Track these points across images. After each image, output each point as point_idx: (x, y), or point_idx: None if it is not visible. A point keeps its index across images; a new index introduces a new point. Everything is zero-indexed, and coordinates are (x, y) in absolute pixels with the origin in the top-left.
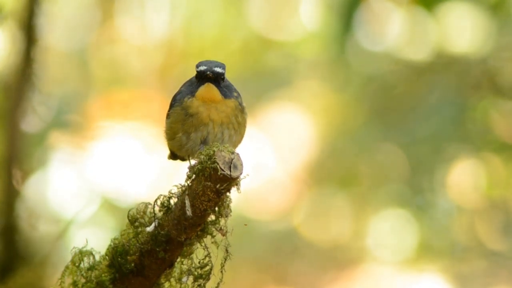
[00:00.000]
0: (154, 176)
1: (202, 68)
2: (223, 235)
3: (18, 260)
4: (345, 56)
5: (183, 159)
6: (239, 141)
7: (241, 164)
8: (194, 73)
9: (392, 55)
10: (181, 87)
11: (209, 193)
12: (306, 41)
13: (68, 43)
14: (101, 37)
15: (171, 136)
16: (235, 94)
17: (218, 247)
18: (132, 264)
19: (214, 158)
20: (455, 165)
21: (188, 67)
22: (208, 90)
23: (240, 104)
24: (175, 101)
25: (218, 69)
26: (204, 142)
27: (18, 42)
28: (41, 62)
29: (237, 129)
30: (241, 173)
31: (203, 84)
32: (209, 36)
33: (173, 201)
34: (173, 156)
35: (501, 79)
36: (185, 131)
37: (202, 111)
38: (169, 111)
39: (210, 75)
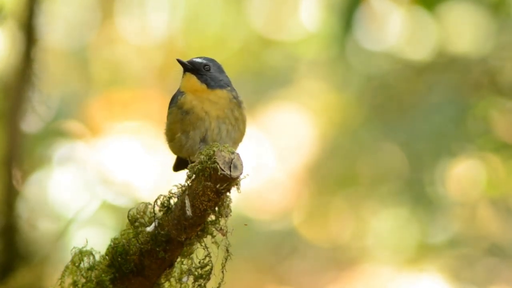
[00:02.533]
0: (154, 176)
1: (184, 61)
2: (223, 235)
3: (18, 260)
4: (345, 55)
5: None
6: (240, 139)
7: (241, 164)
8: None
9: (392, 54)
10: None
11: (209, 193)
12: (306, 41)
13: (68, 43)
14: (101, 37)
15: (171, 137)
16: (228, 87)
17: (218, 247)
18: (132, 264)
19: (214, 158)
20: (455, 164)
21: None
22: (187, 79)
23: (236, 97)
24: (172, 103)
25: (197, 60)
26: (203, 140)
27: (18, 42)
28: (41, 62)
29: (235, 124)
30: (241, 173)
31: (183, 77)
32: (209, 36)
33: (173, 201)
34: (178, 167)
35: (501, 78)
36: (183, 130)
37: (195, 104)
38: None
39: (188, 66)
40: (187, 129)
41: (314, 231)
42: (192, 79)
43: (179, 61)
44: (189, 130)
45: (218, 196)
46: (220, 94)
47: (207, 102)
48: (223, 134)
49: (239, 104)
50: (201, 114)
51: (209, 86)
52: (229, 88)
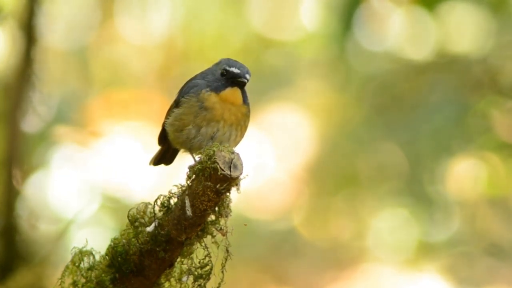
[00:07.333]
0: (154, 175)
1: (236, 71)
2: (223, 235)
3: (18, 260)
4: (345, 55)
5: (168, 163)
6: (240, 141)
7: (241, 164)
8: (194, 73)
9: (393, 54)
10: (198, 78)
11: (209, 193)
12: (306, 41)
13: (68, 43)
14: (101, 37)
15: (179, 127)
16: (248, 100)
17: (218, 247)
18: (132, 264)
19: (214, 158)
20: (456, 164)
21: (188, 67)
22: (236, 95)
23: (249, 110)
24: (190, 90)
25: (248, 76)
26: (211, 138)
27: (18, 42)
28: (41, 62)
29: (242, 132)
30: (241, 173)
31: (232, 86)
32: (209, 36)
33: (173, 201)
34: (157, 161)
35: (502, 78)
36: (196, 124)
37: (217, 108)
38: (179, 97)
39: (244, 83)
40: (200, 124)
41: (314, 231)
42: (239, 97)
43: (236, 74)
44: (202, 125)
45: (218, 196)
46: (242, 108)
47: (227, 111)
48: (231, 139)
49: (248, 116)
50: (218, 117)
51: (244, 102)
52: (248, 101)
